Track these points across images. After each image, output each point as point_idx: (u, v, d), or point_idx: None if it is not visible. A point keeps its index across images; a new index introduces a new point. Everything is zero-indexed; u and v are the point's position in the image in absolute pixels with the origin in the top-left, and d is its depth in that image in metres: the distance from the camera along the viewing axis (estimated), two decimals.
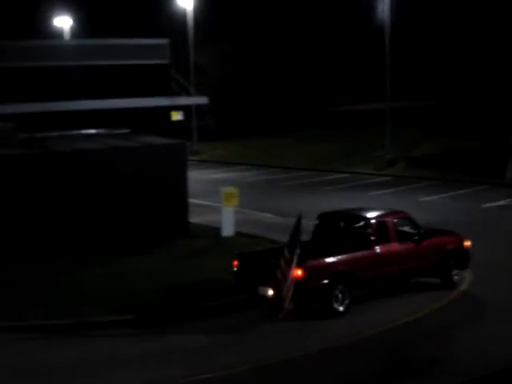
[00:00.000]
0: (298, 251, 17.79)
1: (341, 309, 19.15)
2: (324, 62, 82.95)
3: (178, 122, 47.18)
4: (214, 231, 28.23)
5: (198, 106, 60.82)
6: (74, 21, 71.90)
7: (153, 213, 27.10)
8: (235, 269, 19.99)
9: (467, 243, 22.20)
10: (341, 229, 21.08)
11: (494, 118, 54.87)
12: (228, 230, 27.68)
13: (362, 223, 20.71)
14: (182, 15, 64.74)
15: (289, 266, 17.67)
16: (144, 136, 29.87)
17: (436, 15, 78.71)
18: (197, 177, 45.23)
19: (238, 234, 27.83)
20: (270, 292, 18.35)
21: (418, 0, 74.38)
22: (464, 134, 52.60)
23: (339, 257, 19.51)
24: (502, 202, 35.14)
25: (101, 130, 31.82)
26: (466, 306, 20.39)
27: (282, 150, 57.77)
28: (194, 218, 29.76)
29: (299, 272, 18.25)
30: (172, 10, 67.15)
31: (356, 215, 21.52)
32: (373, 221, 20.56)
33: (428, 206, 35.20)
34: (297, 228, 18.16)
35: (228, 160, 57.98)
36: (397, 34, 52.37)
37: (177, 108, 45.52)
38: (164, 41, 32.24)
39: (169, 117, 33.72)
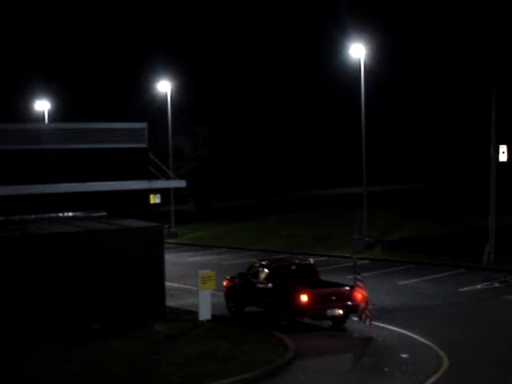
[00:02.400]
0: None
1: None
2: (300, 146, 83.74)
3: (156, 205, 47.33)
4: (191, 315, 28.03)
5: (176, 190, 61.02)
6: (55, 104, 72.49)
7: (130, 296, 26.94)
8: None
9: None
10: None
11: (470, 202, 55.33)
12: (205, 314, 27.47)
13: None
14: (161, 100, 65.46)
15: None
16: (121, 219, 29.86)
17: (414, 96, 79.93)
18: (174, 259, 45.18)
19: (215, 317, 27.63)
20: (340, 312, 26.28)
21: (395, 82, 75.58)
22: (441, 217, 52.95)
23: None
24: (478, 286, 35.19)
25: (78, 213, 31.79)
26: None
27: (259, 233, 57.87)
28: (171, 302, 29.60)
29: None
30: (151, 95, 67.90)
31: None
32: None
33: (406, 289, 35.23)
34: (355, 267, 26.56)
35: (205, 243, 57.98)
36: (374, 116, 53.17)
37: (155, 191, 45.68)
38: (142, 125, 32.42)
39: (147, 200, 33.73)
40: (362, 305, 25.96)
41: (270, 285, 27.97)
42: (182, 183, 36.31)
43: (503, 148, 53.53)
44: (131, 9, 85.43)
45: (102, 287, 26.59)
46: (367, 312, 25.90)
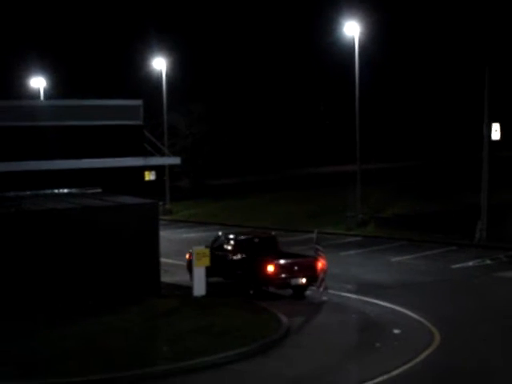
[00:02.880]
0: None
1: None
2: (295, 124, 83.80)
3: (151, 181, 47.49)
4: (186, 291, 28.33)
5: (171, 167, 61.20)
6: (50, 81, 72.47)
7: (124, 272, 27.18)
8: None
9: None
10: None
11: (462, 179, 55.63)
12: (199, 290, 27.78)
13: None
14: (156, 77, 65.50)
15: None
16: (116, 196, 30.05)
17: (407, 75, 79.94)
18: (168, 236, 45.39)
19: (210, 293, 27.94)
20: (303, 281, 27.95)
21: (389, 61, 75.59)
22: (433, 195, 53.24)
23: None
24: (470, 263, 35.52)
25: (73, 190, 31.97)
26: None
27: (254, 211, 58.13)
28: (166, 278, 29.86)
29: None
30: (146, 72, 67.90)
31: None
32: None
33: (399, 265, 35.56)
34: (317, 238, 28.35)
35: (200, 220, 58.23)
36: (368, 95, 53.29)
37: (150, 168, 45.85)
38: (138, 102, 32.52)
39: (142, 177, 33.93)
40: (322, 274, 28.04)
41: (236, 256, 29.47)
42: (176, 160, 36.53)
43: (496, 126, 53.81)
44: None
45: (97, 263, 26.80)
46: (322, 281, 28.08)
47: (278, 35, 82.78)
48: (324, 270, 28.10)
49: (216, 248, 30.27)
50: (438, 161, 72.30)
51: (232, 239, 30.27)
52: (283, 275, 27.88)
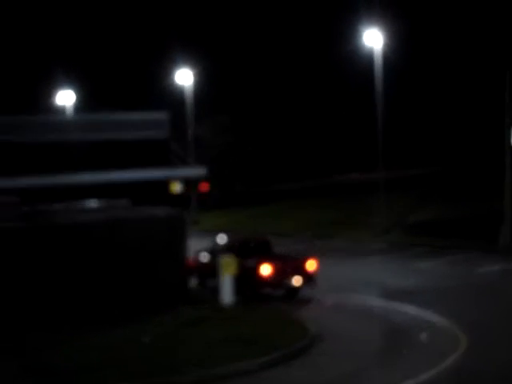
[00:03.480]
0: None
1: None
2: (320, 132, 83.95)
3: (178, 192, 47.80)
4: (214, 299, 28.73)
5: (198, 177, 61.56)
6: (77, 96, 73.25)
7: (153, 282, 27.54)
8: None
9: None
10: None
11: (485, 184, 55.62)
12: (227, 298, 28.19)
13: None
14: (181, 89, 66.07)
15: None
16: (144, 207, 30.51)
17: (428, 80, 79.89)
18: (194, 246, 45.73)
19: (238, 301, 28.30)
20: (299, 282, 28.88)
21: (409, 66, 75.60)
22: (457, 200, 53.27)
23: None
24: (495, 268, 35.58)
25: (102, 202, 32.45)
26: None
27: (279, 218, 58.39)
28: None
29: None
30: (171, 84, 68.48)
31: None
32: None
33: (424, 271, 35.73)
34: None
35: (226, 228, 58.51)
36: (390, 102, 53.52)
37: (176, 179, 46.19)
38: (163, 115, 32.99)
39: (168, 188, 34.38)
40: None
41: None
42: (202, 171, 36.98)
43: None
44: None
45: (127, 274, 27.17)
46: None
47: (301, 44, 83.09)
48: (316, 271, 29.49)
49: (215, 252, 31.05)
50: (460, 167, 72.20)
51: (227, 243, 31.42)
52: (278, 276, 28.73)
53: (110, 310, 26.21)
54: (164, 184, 33.04)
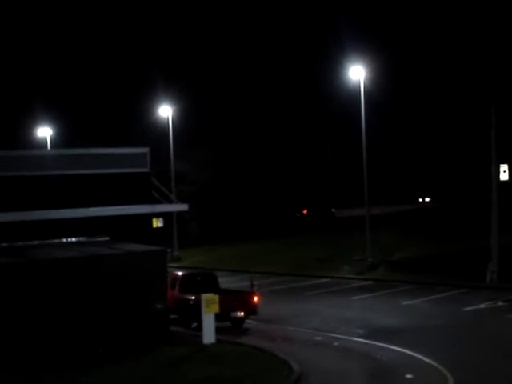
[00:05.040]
0: None
1: None
2: (301, 169, 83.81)
3: (159, 229, 47.35)
4: (196, 338, 28.10)
5: (179, 213, 61.13)
6: (58, 131, 72.81)
7: (134, 320, 27.02)
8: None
9: None
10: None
11: (471, 221, 55.40)
12: (209, 337, 27.52)
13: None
14: (163, 124, 65.77)
15: None
16: (125, 243, 29.94)
17: (413, 116, 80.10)
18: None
19: (219, 340, 27.68)
20: (242, 314, 31.11)
21: (394, 103, 75.82)
22: (442, 237, 52.97)
23: None
24: (482, 306, 35.15)
25: (81, 238, 31.89)
26: None
27: (262, 256, 57.86)
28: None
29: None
30: (152, 119, 68.19)
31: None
32: None
33: (410, 309, 35.22)
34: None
35: (209, 266, 57.85)
36: (374, 137, 53.30)
37: (157, 215, 45.69)
38: (145, 149, 32.64)
39: (150, 224, 33.87)
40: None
41: (180, 293, 32.13)
42: (184, 207, 36.58)
43: (504, 167, 53.75)
44: (131, 34, 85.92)
45: (106, 312, 26.64)
46: None
47: (285, 80, 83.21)
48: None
49: (171, 286, 32.10)
50: (447, 203, 72.15)
51: (176, 277, 32.95)
52: (224, 309, 29.40)
53: (93, 349, 25.59)
54: (145, 219, 32.53)
